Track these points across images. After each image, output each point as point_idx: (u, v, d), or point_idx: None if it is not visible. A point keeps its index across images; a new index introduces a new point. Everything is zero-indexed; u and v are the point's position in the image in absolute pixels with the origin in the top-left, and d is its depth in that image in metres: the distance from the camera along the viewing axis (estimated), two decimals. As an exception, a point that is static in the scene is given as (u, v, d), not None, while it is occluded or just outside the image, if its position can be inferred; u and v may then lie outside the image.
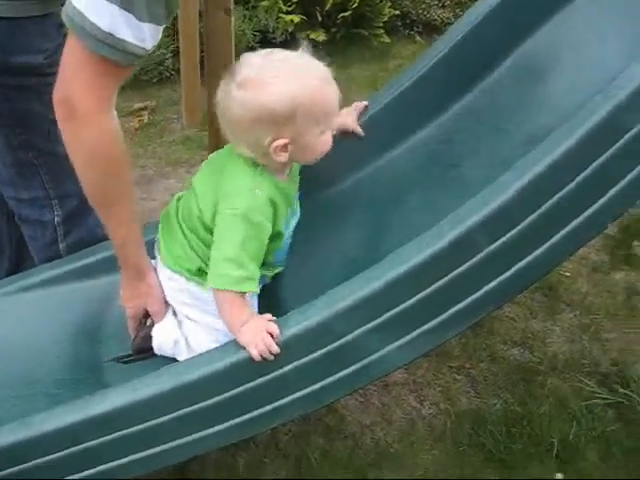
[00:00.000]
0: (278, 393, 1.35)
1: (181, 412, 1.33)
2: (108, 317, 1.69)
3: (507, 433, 1.96)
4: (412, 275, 1.29)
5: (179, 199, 1.52)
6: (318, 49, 3.48)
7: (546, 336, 2.34)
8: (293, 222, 1.53)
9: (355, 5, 4.22)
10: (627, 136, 1.26)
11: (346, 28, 4.39)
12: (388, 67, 4.33)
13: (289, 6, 4.11)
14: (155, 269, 1.53)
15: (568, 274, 2.62)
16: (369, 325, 1.30)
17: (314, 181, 1.68)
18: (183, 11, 2.86)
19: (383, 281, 1.29)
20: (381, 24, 4.48)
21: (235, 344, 1.35)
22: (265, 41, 4.07)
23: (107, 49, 1.24)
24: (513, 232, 1.29)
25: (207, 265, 1.41)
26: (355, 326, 1.31)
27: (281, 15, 4.07)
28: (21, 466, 1.33)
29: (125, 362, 1.57)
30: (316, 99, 1.33)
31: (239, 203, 1.35)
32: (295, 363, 1.32)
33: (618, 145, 1.26)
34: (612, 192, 1.30)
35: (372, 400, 2.07)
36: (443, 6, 4.94)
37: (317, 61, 1.37)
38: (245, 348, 1.31)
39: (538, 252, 1.33)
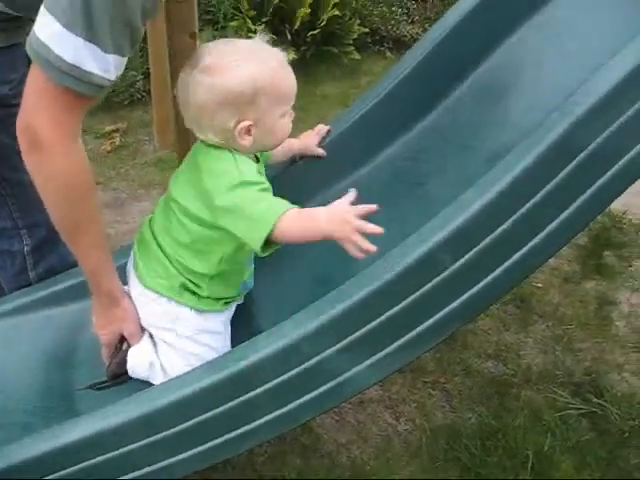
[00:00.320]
0: (249, 416, 1.35)
1: (152, 439, 1.33)
2: (79, 344, 1.68)
3: (482, 447, 1.98)
4: (378, 295, 1.30)
5: (150, 220, 1.53)
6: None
7: (519, 348, 2.36)
8: None
9: (324, 23, 4.25)
10: (584, 153, 1.28)
11: (316, 46, 4.41)
12: (359, 84, 4.36)
13: (259, 25, 4.13)
14: (129, 295, 1.53)
15: (540, 285, 2.64)
16: (337, 346, 1.31)
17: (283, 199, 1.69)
18: (152, 33, 2.87)
19: (350, 302, 1.29)
20: (351, 41, 4.51)
21: (204, 368, 1.36)
22: (235, 61, 4.08)
23: (72, 81, 1.24)
24: (476, 249, 1.30)
25: (190, 281, 1.45)
26: (323, 347, 1.31)
27: (250, 35, 4.07)
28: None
29: (99, 389, 1.56)
30: (275, 81, 1.39)
31: (231, 178, 1.36)
32: (265, 386, 1.32)
33: (576, 162, 1.28)
34: (572, 208, 1.32)
35: (347, 418, 2.08)
36: (412, 22, 4.99)
37: (273, 47, 1.43)
38: None
39: (502, 268, 1.34)
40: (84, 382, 1.57)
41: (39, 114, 1.28)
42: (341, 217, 1.25)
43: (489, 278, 1.35)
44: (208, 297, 1.49)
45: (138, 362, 1.53)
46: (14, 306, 1.72)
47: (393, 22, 4.88)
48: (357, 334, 1.31)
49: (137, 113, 3.96)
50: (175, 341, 1.50)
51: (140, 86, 3.93)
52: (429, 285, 1.32)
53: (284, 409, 1.35)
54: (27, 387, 1.59)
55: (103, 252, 1.47)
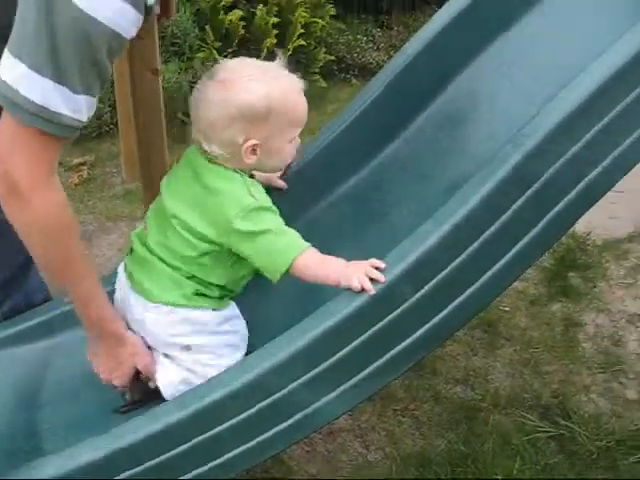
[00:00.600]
0: (217, 451, 1.35)
1: (118, 477, 1.33)
2: (45, 382, 1.68)
3: (452, 473, 1.98)
4: (341, 328, 1.32)
5: (138, 235, 1.53)
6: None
7: (487, 372, 2.38)
8: None
9: (290, 53, 4.30)
10: (537, 184, 1.31)
11: (283, 75, 4.44)
12: (326, 111, 4.40)
13: (224, 56, 4.16)
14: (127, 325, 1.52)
15: (507, 309, 2.67)
16: (301, 379, 1.32)
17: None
18: (117, 67, 2.88)
19: (313, 336, 1.31)
20: (317, 69, 4.57)
21: (171, 405, 1.36)
22: (203, 92, 4.09)
23: (41, 122, 1.23)
24: (436, 280, 1.33)
25: (203, 286, 1.46)
26: (288, 381, 1.32)
27: (217, 65, 4.10)
28: None
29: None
30: (290, 104, 1.41)
31: (246, 203, 1.38)
32: (230, 422, 1.33)
33: (529, 193, 1.31)
34: (528, 237, 1.35)
35: (318, 448, 2.08)
36: (377, 49, 5.07)
37: (291, 73, 1.46)
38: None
39: (463, 297, 1.37)
40: (50, 422, 1.56)
41: (13, 158, 1.26)
42: (358, 265, 1.34)
43: (450, 307, 1.37)
44: (220, 297, 1.51)
45: (173, 388, 1.50)
46: (-20, 345, 1.71)
47: (358, 50, 4.95)
48: (320, 368, 1.33)
49: (105, 145, 3.96)
50: (201, 341, 1.49)
51: (107, 118, 3.93)
52: (391, 316, 1.34)
53: (250, 444, 1.36)
54: (-8, 426, 1.58)
55: (99, 289, 1.45)
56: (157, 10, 1.37)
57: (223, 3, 4.16)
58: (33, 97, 1.21)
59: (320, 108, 4.44)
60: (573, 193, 1.34)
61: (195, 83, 3.82)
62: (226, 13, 4.17)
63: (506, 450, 2.07)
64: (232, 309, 1.56)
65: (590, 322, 2.64)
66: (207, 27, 4.15)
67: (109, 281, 1.62)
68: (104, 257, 2.95)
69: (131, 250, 1.55)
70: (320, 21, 4.61)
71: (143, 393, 1.54)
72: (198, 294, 1.47)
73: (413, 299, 1.34)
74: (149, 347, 1.53)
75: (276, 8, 4.34)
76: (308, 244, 1.38)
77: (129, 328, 1.52)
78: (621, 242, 3.09)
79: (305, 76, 4.60)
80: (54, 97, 1.22)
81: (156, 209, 1.52)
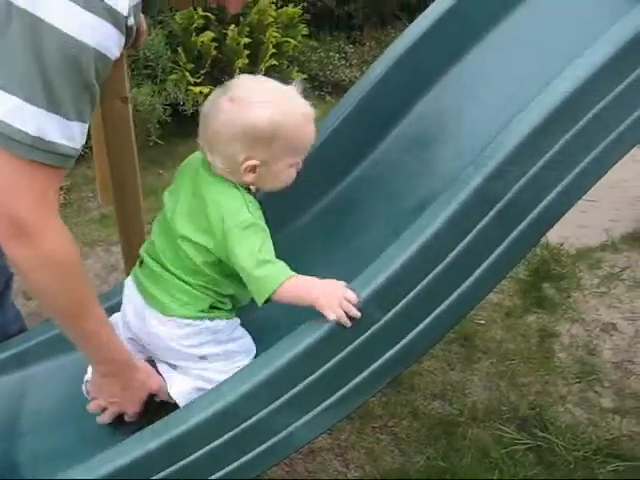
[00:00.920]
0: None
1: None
2: (24, 412, 1.66)
3: (431, 489, 2.00)
4: (310, 354, 1.33)
5: (148, 251, 1.54)
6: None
7: (465, 386, 2.41)
8: None
9: (262, 73, 4.32)
10: (500, 204, 1.34)
11: (256, 94, 4.45)
12: (301, 129, 4.42)
13: (197, 77, 4.18)
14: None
15: (483, 322, 2.70)
16: (273, 405, 1.33)
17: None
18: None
19: (281, 362, 1.32)
20: (290, 88, 4.58)
21: (145, 433, 1.36)
22: (176, 114, 4.11)
23: (38, 154, 1.21)
24: (403, 302, 1.35)
25: (217, 299, 1.48)
26: (259, 407, 1.33)
27: (190, 87, 4.12)
28: None
29: None
30: (296, 132, 1.42)
31: (243, 218, 1.40)
32: (205, 448, 1.33)
33: (492, 213, 1.34)
34: (494, 256, 1.38)
35: (298, 468, 2.09)
36: (350, 65, 5.11)
37: (305, 100, 1.45)
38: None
39: (431, 318, 1.39)
40: (30, 452, 1.56)
41: (14, 197, 1.22)
42: (333, 296, 1.33)
43: (419, 328, 1.39)
44: (232, 308, 1.54)
45: (187, 396, 1.50)
46: (-45, 377, 1.70)
47: (331, 67, 5.00)
48: (290, 393, 1.34)
49: (80, 170, 3.94)
50: (216, 350, 1.51)
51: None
52: (361, 339, 1.35)
53: (226, 469, 1.36)
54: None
55: (107, 322, 1.44)
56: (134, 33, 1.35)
57: (195, 25, 4.17)
58: (27, 129, 1.19)
59: (295, 126, 4.46)
60: (535, 212, 1.37)
61: (169, 105, 3.79)
62: (198, 35, 4.18)
63: (485, 463, 2.09)
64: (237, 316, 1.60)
65: (565, 332, 2.67)
66: (179, 49, 4.16)
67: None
68: (81, 282, 2.94)
69: (141, 263, 1.56)
70: (292, 41, 4.63)
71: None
72: (212, 307, 1.49)
73: (382, 321, 1.36)
74: (149, 360, 1.56)
75: (247, 28, 4.35)
76: (289, 274, 1.37)
77: (134, 339, 1.55)
78: (594, 251, 3.13)
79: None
80: (49, 127, 1.20)
81: (161, 224, 1.53)
